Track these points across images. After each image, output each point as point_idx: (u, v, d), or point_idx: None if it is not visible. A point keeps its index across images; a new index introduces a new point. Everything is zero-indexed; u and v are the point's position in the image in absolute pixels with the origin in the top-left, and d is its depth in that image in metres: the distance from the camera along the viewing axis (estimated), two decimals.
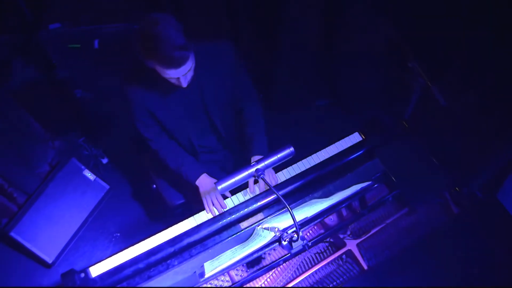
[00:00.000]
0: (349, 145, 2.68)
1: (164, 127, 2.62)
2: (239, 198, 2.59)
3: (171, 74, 2.19)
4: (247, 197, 2.57)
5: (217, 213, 2.45)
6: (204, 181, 2.63)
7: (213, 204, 2.50)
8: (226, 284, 2.29)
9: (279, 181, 2.58)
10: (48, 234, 3.48)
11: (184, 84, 2.29)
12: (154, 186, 3.04)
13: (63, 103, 3.76)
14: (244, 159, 2.73)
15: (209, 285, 2.28)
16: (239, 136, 2.84)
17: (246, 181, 2.14)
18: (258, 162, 2.03)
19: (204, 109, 2.60)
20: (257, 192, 2.56)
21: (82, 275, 2.19)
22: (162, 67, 2.16)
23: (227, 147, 2.89)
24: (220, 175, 2.76)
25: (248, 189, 2.64)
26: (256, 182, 2.58)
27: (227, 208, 2.46)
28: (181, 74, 2.21)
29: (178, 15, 3.25)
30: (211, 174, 2.71)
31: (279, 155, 2.05)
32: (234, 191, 2.43)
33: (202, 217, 2.53)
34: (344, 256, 2.32)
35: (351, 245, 2.30)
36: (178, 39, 2.10)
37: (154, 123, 2.61)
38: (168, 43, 2.08)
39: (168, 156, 2.69)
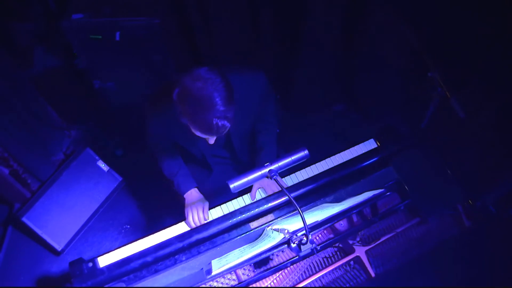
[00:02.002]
0: (364, 151, 2.68)
1: (179, 144, 2.61)
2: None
3: (204, 136, 2.15)
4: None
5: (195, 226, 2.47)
6: (192, 195, 2.62)
7: (198, 218, 2.49)
8: (233, 283, 2.29)
9: (292, 183, 2.57)
10: (59, 221, 3.52)
11: (212, 142, 2.25)
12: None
13: (81, 93, 3.78)
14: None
15: (215, 283, 2.28)
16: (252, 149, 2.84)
17: (258, 181, 2.12)
18: (272, 163, 2.02)
19: (227, 133, 2.56)
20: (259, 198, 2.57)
21: (90, 264, 2.21)
22: (196, 130, 2.08)
23: (238, 159, 2.86)
24: (232, 175, 2.76)
25: (260, 190, 2.64)
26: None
27: (238, 207, 2.46)
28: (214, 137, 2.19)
29: (200, 11, 3.30)
30: (223, 174, 2.71)
31: (293, 157, 2.03)
32: (245, 191, 2.44)
33: (212, 214, 2.55)
34: (352, 262, 2.31)
35: (360, 251, 2.29)
36: (221, 108, 1.97)
37: (166, 139, 2.61)
38: (209, 111, 1.96)
39: (165, 161, 2.66)
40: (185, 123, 2.09)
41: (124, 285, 2.14)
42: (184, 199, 2.63)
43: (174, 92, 2.03)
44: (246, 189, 2.23)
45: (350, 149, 2.76)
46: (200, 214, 2.50)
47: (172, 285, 2.16)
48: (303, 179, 2.61)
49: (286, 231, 2.12)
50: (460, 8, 2.82)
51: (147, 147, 2.70)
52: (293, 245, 2.10)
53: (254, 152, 2.73)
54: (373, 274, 2.25)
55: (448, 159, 2.50)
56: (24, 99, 3.41)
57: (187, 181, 2.65)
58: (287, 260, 2.22)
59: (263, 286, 2.26)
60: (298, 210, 1.90)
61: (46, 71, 3.76)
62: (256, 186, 2.65)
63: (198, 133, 2.10)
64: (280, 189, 2.53)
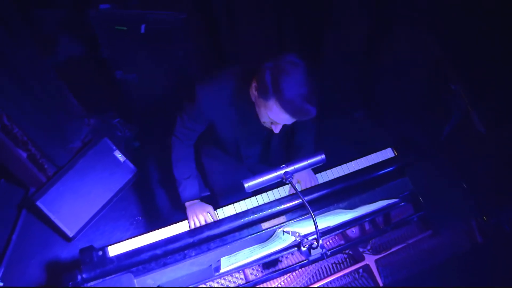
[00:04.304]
0: (380, 160, 2.67)
1: (217, 135, 2.56)
2: (264, 198, 2.60)
3: (279, 120, 2.12)
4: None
5: None
6: (194, 203, 2.59)
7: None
8: (240, 282, 2.29)
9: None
10: (72, 208, 3.55)
11: (277, 130, 2.24)
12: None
13: (103, 83, 3.81)
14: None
15: (223, 281, 2.28)
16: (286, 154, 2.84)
17: (272, 182, 2.08)
18: (287, 165, 2.02)
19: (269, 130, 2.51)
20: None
21: (100, 253, 2.23)
22: (279, 109, 2.05)
23: (268, 160, 2.85)
24: (245, 175, 2.76)
25: (273, 191, 2.64)
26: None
27: (251, 207, 2.46)
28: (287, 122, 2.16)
29: (227, 10, 3.32)
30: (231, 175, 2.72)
31: (309, 161, 2.03)
32: (259, 191, 2.44)
33: (225, 212, 2.55)
34: (361, 270, 2.30)
35: (370, 260, 2.28)
36: (311, 94, 2.01)
37: (199, 128, 2.54)
38: (299, 90, 1.99)
39: (180, 162, 2.61)
40: (258, 103, 2.15)
41: (133, 276, 2.16)
42: (184, 205, 2.62)
43: (262, 73, 2.05)
44: (259, 189, 2.23)
45: (367, 156, 2.75)
46: (208, 220, 2.50)
47: (180, 279, 2.17)
48: (318, 183, 2.61)
49: (297, 234, 2.11)
50: (486, 25, 2.81)
51: (171, 131, 2.64)
52: (303, 249, 2.10)
53: (291, 149, 2.74)
54: (381, 284, 2.24)
55: (465, 173, 2.47)
56: (46, 85, 3.44)
57: (194, 189, 2.63)
58: (296, 263, 2.22)
59: (270, 287, 2.26)
60: (311, 214, 1.90)
61: (69, 59, 3.79)
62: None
63: (277, 116, 2.10)
64: (312, 185, 2.55)
